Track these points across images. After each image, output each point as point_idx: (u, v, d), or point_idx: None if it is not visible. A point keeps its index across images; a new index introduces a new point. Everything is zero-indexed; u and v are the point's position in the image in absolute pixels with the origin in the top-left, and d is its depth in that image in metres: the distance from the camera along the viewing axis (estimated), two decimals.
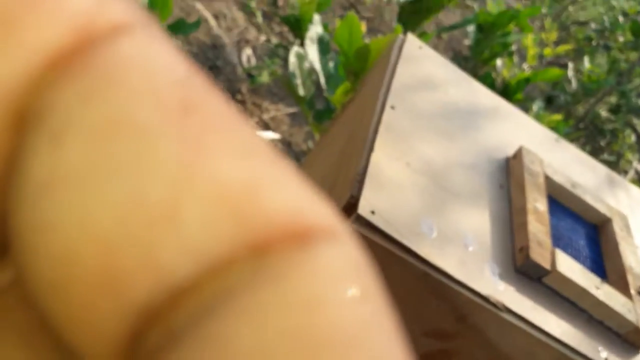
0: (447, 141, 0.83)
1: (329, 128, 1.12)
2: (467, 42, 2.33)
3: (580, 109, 2.91)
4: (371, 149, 0.71)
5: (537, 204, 0.79)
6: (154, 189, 0.09)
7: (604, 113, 2.96)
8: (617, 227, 0.88)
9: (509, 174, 0.85)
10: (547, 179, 0.85)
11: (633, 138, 2.95)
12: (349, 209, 0.66)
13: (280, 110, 1.95)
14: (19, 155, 0.09)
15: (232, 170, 0.09)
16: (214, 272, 0.09)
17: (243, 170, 0.09)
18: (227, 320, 0.08)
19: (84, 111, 0.09)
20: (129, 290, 0.09)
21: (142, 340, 0.09)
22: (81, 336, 0.09)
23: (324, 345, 0.08)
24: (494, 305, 0.68)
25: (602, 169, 1.03)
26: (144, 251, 0.09)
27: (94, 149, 0.09)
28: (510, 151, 0.89)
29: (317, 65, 1.45)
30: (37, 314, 0.10)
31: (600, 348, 0.75)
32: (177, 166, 0.09)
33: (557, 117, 2.01)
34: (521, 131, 0.96)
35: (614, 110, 2.92)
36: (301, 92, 1.44)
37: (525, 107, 2.12)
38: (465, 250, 0.71)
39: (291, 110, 1.95)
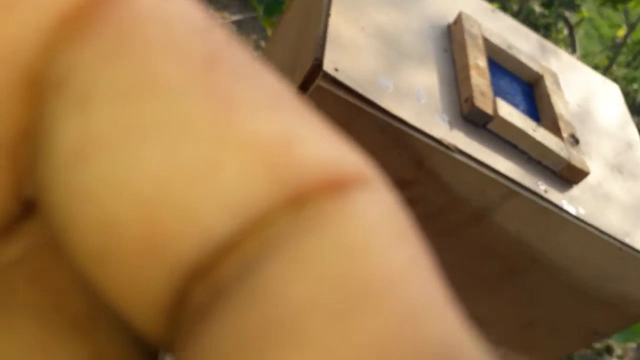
0: (395, 10, 0.91)
1: (279, 21, 1.18)
2: None
3: (515, 6, 3.01)
4: (328, 14, 0.79)
5: (478, 61, 0.88)
6: (188, 148, 0.09)
7: (537, 8, 3.06)
8: (548, 82, 0.98)
9: (451, 39, 0.94)
10: (486, 41, 0.94)
11: (566, 32, 3.07)
12: (314, 71, 0.74)
13: (225, 19, 1.98)
14: (44, 124, 0.09)
15: (265, 123, 0.09)
16: (254, 227, 0.09)
17: (275, 123, 0.09)
18: (271, 273, 0.08)
19: (107, 72, 0.09)
20: (173, 252, 0.09)
21: (187, 299, 0.09)
22: (127, 300, 0.09)
23: (370, 291, 0.08)
24: (447, 147, 0.78)
25: (534, 37, 1.13)
26: (185, 212, 0.09)
27: (123, 111, 0.09)
28: (451, 19, 0.98)
29: None
30: (50, 293, 0.10)
31: (539, 183, 0.86)
32: (209, 123, 0.09)
33: None
34: (460, 2, 1.04)
35: (547, 4, 3.02)
36: None
37: None
38: (418, 103, 0.80)
39: (237, 17, 1.98)
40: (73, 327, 0.10)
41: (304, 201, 0.09)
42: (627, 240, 0.91)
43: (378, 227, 0.09)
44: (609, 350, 1.82)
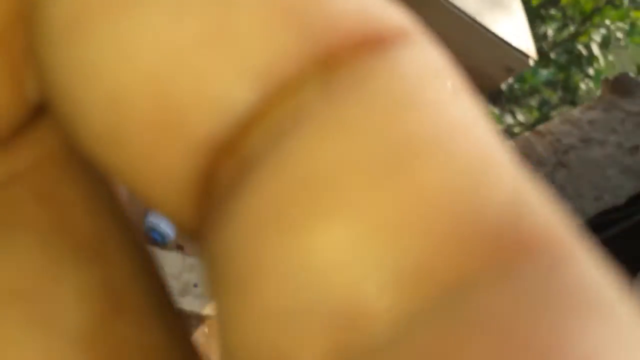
0: None
1: None
2: None
3: None
4: None
5: None
6: (196, 5, 0.08)
7: None
8: None
9: None
10: None
11: None
12: None
13: None
14: (35, 1, 0.09)
15: None
16: (281, 94, 0.08)
17: None
18: (305, 136, 0.08)
19: None
20: (190, 128, 0.08)
21: (216, 175, 0.08)
22: (150, 185, 0.08)
23: (418, 147, 0.08)
24: None
25: None
26: (199, 81, 0.08)
27: None
28: None
29: None
30: (55, 212, 0.09)
31: None
32: None
33: None
34: None
35: None
36: None
37: None
38: None
39: None
40: (79, 251, 0.09)
41: (337, 61, 0.08)
42: (478, 18, 1.23)
43: (424, 83, 0.08)
44: None
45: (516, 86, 2.28)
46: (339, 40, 0.08)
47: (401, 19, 0.09)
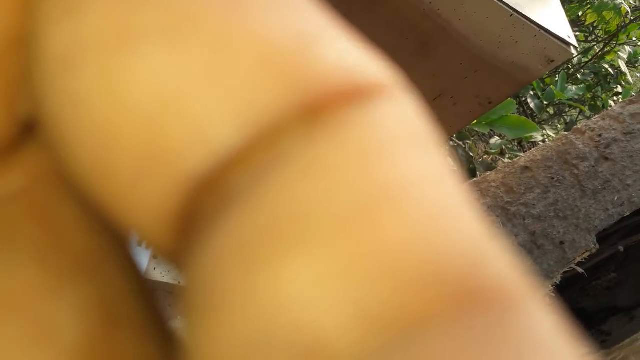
0: None
1: None
2: None
3: None
4: None
5: None
6: (191, 51, 0.08)
7: None
8: None
9: None
10: None
11: None
12: None
13: None
14: (35, 29, 0.09)
15: (277, 26, 0.08)
16: (265, 138, 0.08)
17: (288, 26, 0.09)
18: (282, 178, 0.08)
19: None
20: (176, 164, 0.08)
21: (197, 209, 0.09)
22: (133, 215, 0.09)
23: (386, 195, 0.08)
24: None
25: None
26: (188, 120, 0.08)
27: (118, 14, 0.08)
28: None
29: None
30: (52, 230, 0.10)
31: None
32: (214, 23, 0.08)
33: None
34: None
35: None
36: None
37: None
38: None
39: None
40: (75, 267, 0.09)
41: (319, 110, 0.08)
42: (518, 9, 1.23)
43: (397, 136, 0.08)
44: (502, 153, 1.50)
45: (545, 103, 2.27)
46: (322, 92, 0.08)
47: (383, 73, 0.09)
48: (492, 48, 1.13)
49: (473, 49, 1.12)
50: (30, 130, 0.10)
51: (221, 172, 0.08)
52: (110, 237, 0.10)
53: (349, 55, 0.09)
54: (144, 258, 1.01)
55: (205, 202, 0.08)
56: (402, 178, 0.08)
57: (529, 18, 1.16)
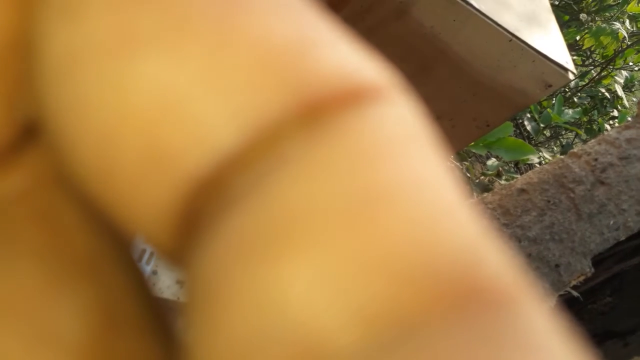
0: None
1: None
2: None
3: None
4: None
5: None
6: (190, 55, 0.08)
7: None
8: None
9: None
10: None
11: None
12: None
13: None
14: (35, 33, 0.09)
15: (276, 29, 0.09)
16: (264, 140, 0.08)
17: (287, 28, 0.09)
18: (282, 179, 0.08)
19: None
20: (177, 166, 0.08)
21: (198, 210, 0.09)
22: (135, 217, 0.09)
23: (383, 196, 0.08)
24: None
25: None
26: (187, 123, 0.08)
27: (116, 18, 0.08)
28: None
29: None
30: (52, 233, 0.10)
31: None
32: (213, 27, 0.08)
33: None
34: None
35: None
36: None
37: None
38: None
39: None
40: (76, 269, 0.09)
41: (318, 112, 0.08)
42: (517, 34, 1.24)
43: (395, 138, 0.09)
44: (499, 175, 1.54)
45: (542, 126, 2.28)
46: (321, 94, 0.08)
47: (380, 76, 0.09)
48: (491, 72, 1.14)
49: (472, 72, 1.13)
50: (31, 133, 0.10)
51: (221, 173, 0.08)
52: (112, 239, 0.10)
53: (348, 58, 0.09)
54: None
55: (206, 203, 0.09)
56: (400, 179, 0.08)
57: (527, 43, 1.17)
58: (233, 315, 0.08)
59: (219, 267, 0.08)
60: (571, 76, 1.21)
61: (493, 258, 0.08)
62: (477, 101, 1.15)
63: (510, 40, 1.15)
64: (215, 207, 0.08)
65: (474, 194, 1.71)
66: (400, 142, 0.09)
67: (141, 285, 0.10)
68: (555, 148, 2.48)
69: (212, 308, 0.08)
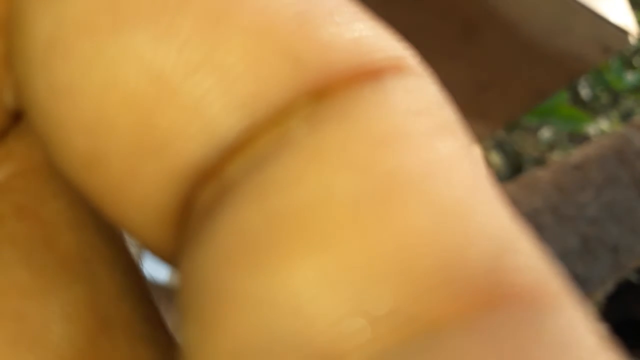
0: None
1: None
2: None
3: None
4: None
5: None
6: (186, 33, 0.08)
7: None
8: None
9: None
10: None
11: None
12: None
13: None
14: (19, 13, 0.08)
15: (280, 2, 0.08)
16: (270, 121, 0.08)
17: (293, 3, 0.08)
18: (285, 164, 0.08)
19: None
20: (172, 154, 0.08)
21: (194, 201, 0.08)
22: (127, 210, 0.08)
23: (401, 182, 0.07)
24: None
25: None
26: (182, 107, 0.08)
27: None
28: None
29: None
30: (39, 226, 0.09)
31: None
32: (212, 4, 0.08)
33: None
34: None
35: None
36: None
37: None
38: None
39: None
40: (64, 265, 0.09)
41: (327, 92, 0.08)
42: None
43: (415, 117, 0.08)
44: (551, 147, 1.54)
45: (599, 93, 2.16)
46: (329, 72, 0.08)
47: (397, 51, 0.08)
48: (544, 36, 1.05)
49: (523, 36, 1.04)
50: (15, 120, 0.09)
51: (220, 162, 0.08)
52: (104, 234, 0.10)
53: (360, 32, 0.08)
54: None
55: (204, 194, 0.08)
56: (419, 165, 0.08)
57: (584, 4, 1.07)
58: (236, 319, 0.07)
59: (218, 264, 0.08)
60: (632, 40, 1.11)
61: (526, 251, 0.08)
62: (528, 68, 1.06)
63: (566, 1, 1.04)
64: (214, 199, 0.08)
65: (525, 168, 1.62)
66: (418, 122, 0.08)
67: (138, 286, 0.10)
68: (614, 116, 2.35)
69: (211, 309, 0.07)
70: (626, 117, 2.27)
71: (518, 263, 0.07)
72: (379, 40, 0.08)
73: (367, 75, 0.08)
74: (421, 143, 0.08)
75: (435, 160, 0.08)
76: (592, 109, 2.21)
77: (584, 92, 2.14)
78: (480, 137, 1.19)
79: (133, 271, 0.10)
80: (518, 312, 0.07)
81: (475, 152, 0.08)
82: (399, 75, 0.08)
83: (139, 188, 0.08)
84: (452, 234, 0.07)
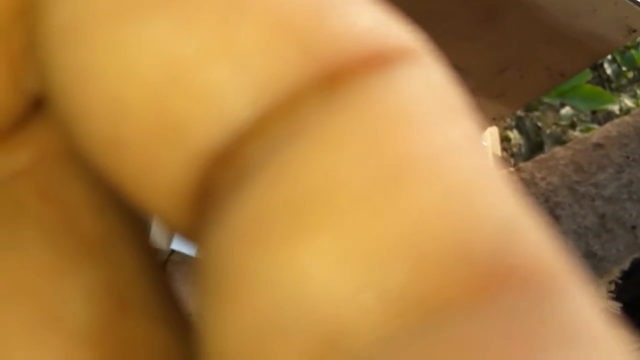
0: None
1: None
2: None
3: None
4: None
5: None
6: (200, 19, 0.08)
7: None
8: None
9: None
10: None
11: None
12: None
13: None
14: (37, 2, 0.08)
15: None
16: (283, 108, 0.08)
17: None
18: (299, 151, 0.08)
19: None
20: (190, 137, 0.08)
21: (213, 184, 0.08)
22: (147, 192, 0.08)
23: (413, 166, 0.08)
24: None
25: None
26: (200, 93, 0.08)
27: None
28: None
29: None
30: (61, 209, 0.09)
31: None
32: None
33: None
34: None
35: None
36: None
37: None
38: None
39: None
40: (85, 248, 0.09)
41: (339, 79, 0.08)
42: None
43: (424, 103, 0.08)
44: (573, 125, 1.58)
45: (624, 69, 2.14)
46: (341, 59, 0.08)
47: (407, 38, 0.09)
48: (567, 17, 1.05)
49: (545, 18, 1.04)
50: (37, 106, 0.10)
51: (236, 146, 0.08)
52: (123, 217, 0.10)
53: (370, 19, 0.08)
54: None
55: (220, 177, 0.08)
56: (429, 148, 0.08)
57: None
58: (248, 297, 0.07)
59: (234, 246, 0.08)
60: None
61: (531, 236, 0.08)
62: (550, 49, 1.06)
63: None
64: (230, 182, 0.08)
65: (546, 146, 1.62)
66: (428, 108, 0.08)
67: (155, 269, 0.10)
68: (639, 92, 2.33)
69: (227, 289, 0.08)
70: None
71: (525, 246, 0.07)
72: (388, 28, 0.09)
73: (377, 62, 0.08)
74: (428, 128, 0.08)
75: (443, 145, 0.08)
76: (616, 86, 2.19)
77: (609, 69, 2.12)
78: (500, 116, 1.19)
79: (150, 254, 0.10)
80: (525, 295, 0.07)
81: (481, 137, 0.08)
82: (408, 61, 0.08)
83: (158, 171, 0.08)
84: (459, 216, 0.07)
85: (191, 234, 0.09)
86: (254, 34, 0.08)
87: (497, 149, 1.30)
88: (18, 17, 0.09)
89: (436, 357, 0.07)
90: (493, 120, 1.21)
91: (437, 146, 0.08)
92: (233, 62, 0.08)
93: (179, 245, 0.89)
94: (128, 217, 0.10)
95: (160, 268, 0.10)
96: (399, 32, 0.09)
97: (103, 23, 0.08)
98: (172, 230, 0.09)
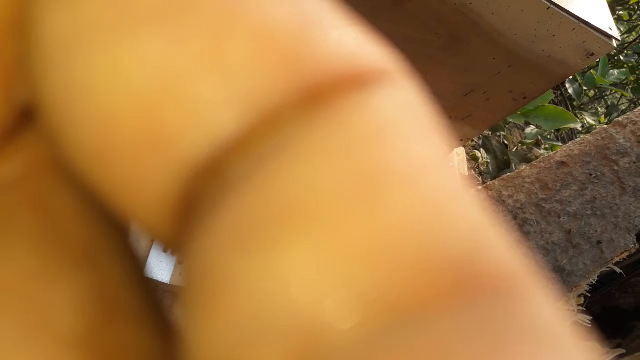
0: None
1: None
2: None
3: None
4: None
5: None
6: (190, 37, 0.08)
7: None
8: None
9: None
10: None
11: None
12: None
13: None
14: (32, 13, 0.09)
15: (277, 11, 0.08)
16: (265, 124, 0.08)
17: (289, 11, 0.09)
18: (282, 163, 0.08)
19: None
20: (177, 150, 0.08)
21: (197, 194, 0.08)
22: (133, 202, 0.09)
23: (388, 181, 0.08)
24: None
25: None
26: (186, 106, 0.08)
27: None
28: None
29: None
30: (50, 219, 0.10)
31: None
32: (214, 10, 0.08)
33: None
34: None
35: None
36: None
37: None
38: None
39: None
40: (73, 255, 0.09)
41: (320, 96, 0.08)
42: (555, 0, 1.17)
43: (399, 122, 0.08)
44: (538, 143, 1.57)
45: (584, 88, 2.20)
46: (324, 77, 0.08)
47: (386, 60, 0.09)
48: (528, 42, 1.08)
49: (507, 43, 1.08)
50: (27, 117, 0.10)
51: (221, 158, 0.08)
52: (110, 226, 0.10)
53: (350, 41, 0.09)
54: (169, 264, 1.00)
55: (205, 189, 0.08)
56: (403, 163, 0.08)
57: (567, 10, 1.11)
58: (230, 303, 0.08)
59: (217, 253, 0.08)
60: (615, 43, 1.14)
61: (497, 244, 0.08)
62: (513, 73, 1.10)
63: (548, 8, 1.08)
64: (214, 193, 0.08)
65: (512, 164, 1.66)
66: (403, 126, 0.08)
67: (138, 274, 0.10)
68: (600, 109, 2.39)
69: (211, 295, 0.08)
70: (612, 112, 2.30)
71: (492, 254, 0.08)
72: (368, 50, 0.09)
73: (357, 82, 0.09)
74: (403, 144, 0.08)
75: (416, 160, 0.08)
76: (578, 104, 2.24)
77: (570, 88, 2.18)
78: (467, 137, 1.23)
79: (135, 262, 0.10)
80: (492, 299, 0.07)
81: (450, 153, 0.09)
82: (385, 82, 0.09)
83: (145, 181, 0.08)
84: (431, 227, 0.08)
85: (174, 242, 0.09)
86: (242, 51, 0.08)
87: (465, 169, 1.33)
88: (11, 28, 0.09)
89: (411, 356, 0.07)
90: (460, 141, 1.24)
91: (411, 161, 0.08)
92: (221, 77, 0.08)
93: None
94: (114, 226, 0.10)
95: (145, 276, 0.10)
96: (378, 54, 0.09)
97: (97, 37, 0.08)
98: (155, 239, 0.09)
